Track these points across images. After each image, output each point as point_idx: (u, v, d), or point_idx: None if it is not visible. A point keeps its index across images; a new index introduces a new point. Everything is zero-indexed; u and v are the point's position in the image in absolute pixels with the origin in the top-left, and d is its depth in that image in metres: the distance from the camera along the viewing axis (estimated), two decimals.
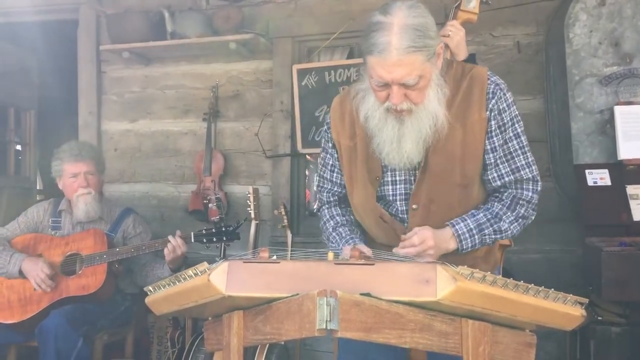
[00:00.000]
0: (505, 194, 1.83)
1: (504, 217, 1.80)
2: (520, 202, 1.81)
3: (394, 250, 1.72)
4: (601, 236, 2.58)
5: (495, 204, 1.82)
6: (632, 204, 2.67)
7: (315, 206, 2.11)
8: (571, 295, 1.46)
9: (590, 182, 2.76)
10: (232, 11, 3.63)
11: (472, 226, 1.76)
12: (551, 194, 3.22)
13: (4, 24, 4.38)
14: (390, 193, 1.85)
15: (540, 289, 1.42)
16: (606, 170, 2.77)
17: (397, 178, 1.84)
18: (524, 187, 1.81)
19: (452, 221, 1.77)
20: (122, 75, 4.12)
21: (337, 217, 2.00)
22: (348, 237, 1.91)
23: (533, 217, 1.85)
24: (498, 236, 1.80)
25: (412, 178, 1.82)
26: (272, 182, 3.75)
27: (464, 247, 1.76)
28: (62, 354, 2.70)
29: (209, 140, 3.79)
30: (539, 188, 1.83)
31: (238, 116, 3.87)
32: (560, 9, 3.10)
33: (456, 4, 2.55)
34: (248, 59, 3.82)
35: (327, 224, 2.01)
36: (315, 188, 2.12)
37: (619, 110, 2.78)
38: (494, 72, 1.84)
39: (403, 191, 1.84)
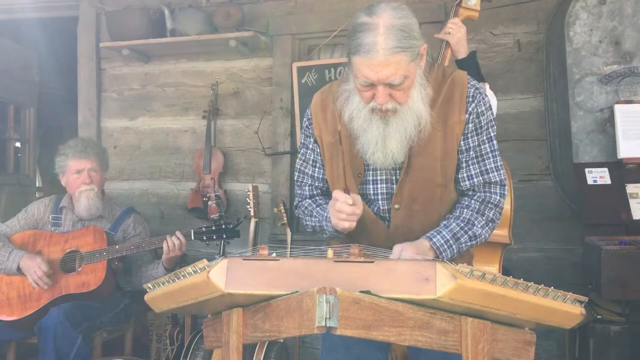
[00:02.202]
0: (474, 198, 1.84)
1: (475, 222, 1.81)
2: (489, 205, 1.82)
3: None
4: (601, 235, 2.59)
5: (465, 210, 1.83)
6: (632, 202, 2.67)
7: (295, 202, 2.08)
8: (570, 293, 1.46)
9: (590, 181, 2.76)
10: (232, 9, 3.63)
11: (448, 237, 1.77)
12: (551, 192, 3.22)
13: (4, 21, 4.38)
14: (372, 192, 1.86)
15: (540, 287, 1.42)
16: (606, 169, 2.77)
17: (379, 177, 1.85)
18: (492, 190, 1.84)
19: (428, 234, 1.77)
20: (122, 72, 4.11)
21: (320, 202, 1.98)
22: None
23: (498, 222, 1.87)
24: (473, 242, 1.82)
25: (394, 178, 1.83)
26: (271, 179, 3.75)
27: (444, 257, 1.76)
28: (61, 351, 2.70)
29: (208, 138, 3.79)
30: (505, 192, 1.86)
31: (238, 114, 3.87)
32: (561, 7, 3.10)
33: (457, 1, 2.55)
34: (248, 56, 3.82)
35: (310, 207, 1.97)
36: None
37: (619, 109, 2.78)
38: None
39: (385, 190, 1.84)
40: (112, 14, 3.88)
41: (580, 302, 1.48)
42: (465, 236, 1.79)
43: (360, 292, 1.32)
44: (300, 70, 3.62)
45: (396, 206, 1.82)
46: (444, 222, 1.82)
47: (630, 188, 2.71)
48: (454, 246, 1.77)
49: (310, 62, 3.66)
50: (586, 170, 2.79)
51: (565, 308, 1.46)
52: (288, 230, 3.30)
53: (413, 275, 1.34)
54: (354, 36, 1.64)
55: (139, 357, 3.23)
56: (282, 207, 3.31)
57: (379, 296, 1.33)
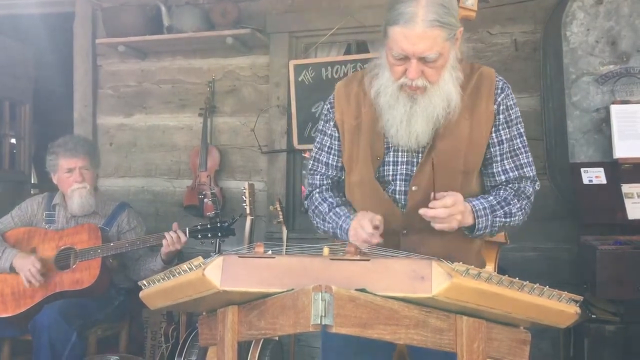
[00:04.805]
0: (509, 186, 1.84)
1: (511, 202, 1.80)
2: (522, 195, 1.82)
3: (421, 211, 1.66)
4: (596, 235, 2.59)
5: (501, 191, 1.83)
6: (627, 202, 2.67)
7: (305, 192, 2.05)
8: (566, 292, 1.46)
9: (585, 181, 2.76)
10: (229, 6, 3.62)
11: (485, 205, 1.75)
12: (547, 191, 3.22)
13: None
14: (390, 173, 1.83)
15: (535, 286, 1.42)
16: (601, 169, 2.77)
17: (400, 159, 1.82)
18: (525, 183, 1.84)
19: (467, 199, 1.75)
20: (118, 69, 4.10)
21: (331, 199, 1.93)
22: (348, 214, 1.85)
23: (526, 217, 1.85)
24: (507, 220, 1.79)
25: (415, 160, 1.81)
26: (267, 177, 3.75)
27: (479, 226, 1.73)
28: (56, 348, 2.69)
29: (204, 136, 3.78)
30: (538, 187, 1.87)
31: (234, 111, 3.86)
32: (558, 7, 3.10)
33: None
34: (245, 54, 3.81)
35: (321, 207, 1.93)
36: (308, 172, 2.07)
37: (615, 109, 2.78)
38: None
39: (404, 172, 1.82)
40: (108, 10, 3.86)
41: (575, 301, 1.48)
42: (501, 211, 1.77)
43: (356, 290, 1.32)
44: (297, 68, 3.61)
45: (414, 188, 1.79)
46: (481, 195, 1.81)
47: (626, 188, 2.71)
48: (489, 216, 1.75)
49: (307, 60, 3.66)
50: (582, 170, 2.79)
51: (560, 307, 1.46)
52: (284, 228, 3.30)
53: (409, 274, 1.33)
54: (394, 7, 1.63)
55: (134, 355, 3.22)
56: (278, 205, 3.30)
57: (375, 294, 1.33)
